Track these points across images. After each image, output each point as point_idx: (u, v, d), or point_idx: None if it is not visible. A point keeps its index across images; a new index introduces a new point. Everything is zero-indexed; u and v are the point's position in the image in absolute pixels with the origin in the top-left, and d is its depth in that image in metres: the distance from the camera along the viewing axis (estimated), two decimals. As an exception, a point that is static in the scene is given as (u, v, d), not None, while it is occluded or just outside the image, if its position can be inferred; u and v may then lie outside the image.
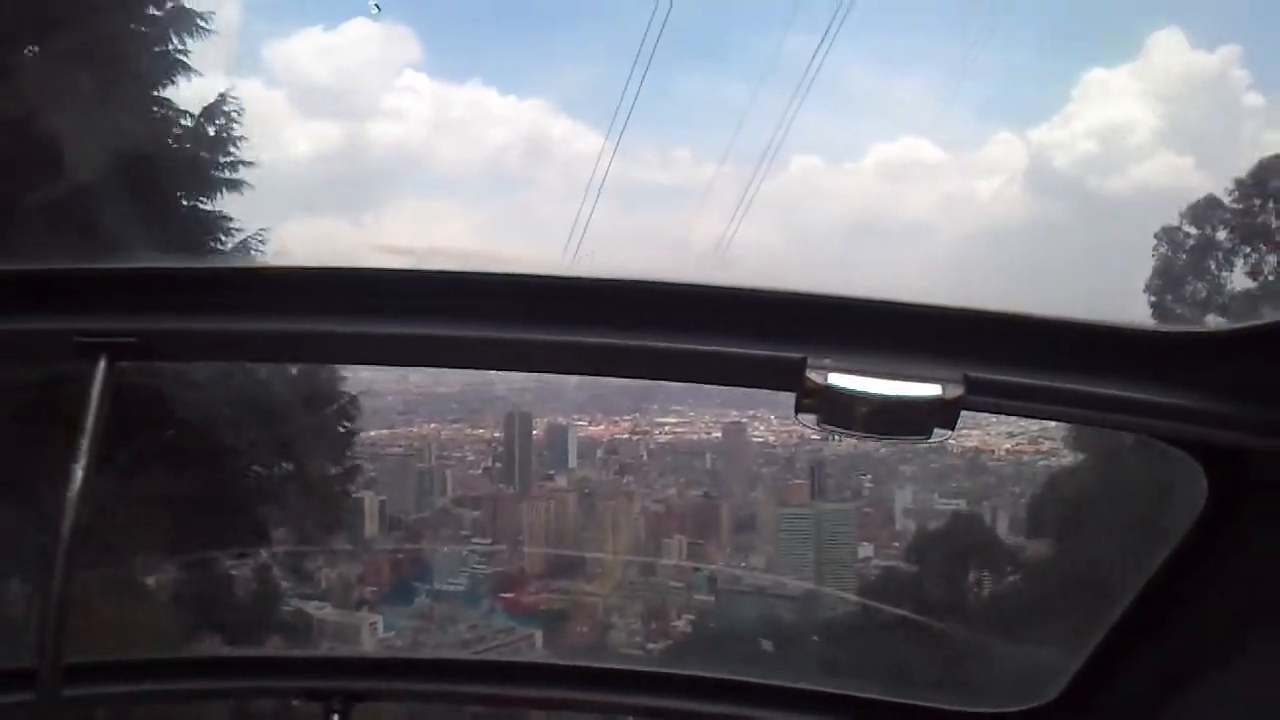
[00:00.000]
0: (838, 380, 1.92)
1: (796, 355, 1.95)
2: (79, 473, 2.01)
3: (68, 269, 2.10)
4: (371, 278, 2.10)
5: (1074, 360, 1.97)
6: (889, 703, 3.26)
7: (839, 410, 1.95)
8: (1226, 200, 17.15)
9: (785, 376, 1.96)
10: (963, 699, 3.29)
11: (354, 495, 16.26)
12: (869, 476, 23.92)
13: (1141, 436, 2.47)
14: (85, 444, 2.02)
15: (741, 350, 2.01)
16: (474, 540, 21.41)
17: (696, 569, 22.66)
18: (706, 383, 2.12)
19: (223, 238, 13.16)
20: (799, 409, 1.97)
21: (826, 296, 1.99)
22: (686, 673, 3.36)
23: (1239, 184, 17.10)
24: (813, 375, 1.93)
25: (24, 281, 2.11)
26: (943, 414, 1.94)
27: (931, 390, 1.91)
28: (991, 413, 2.01)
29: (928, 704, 3.26)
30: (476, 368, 2.34)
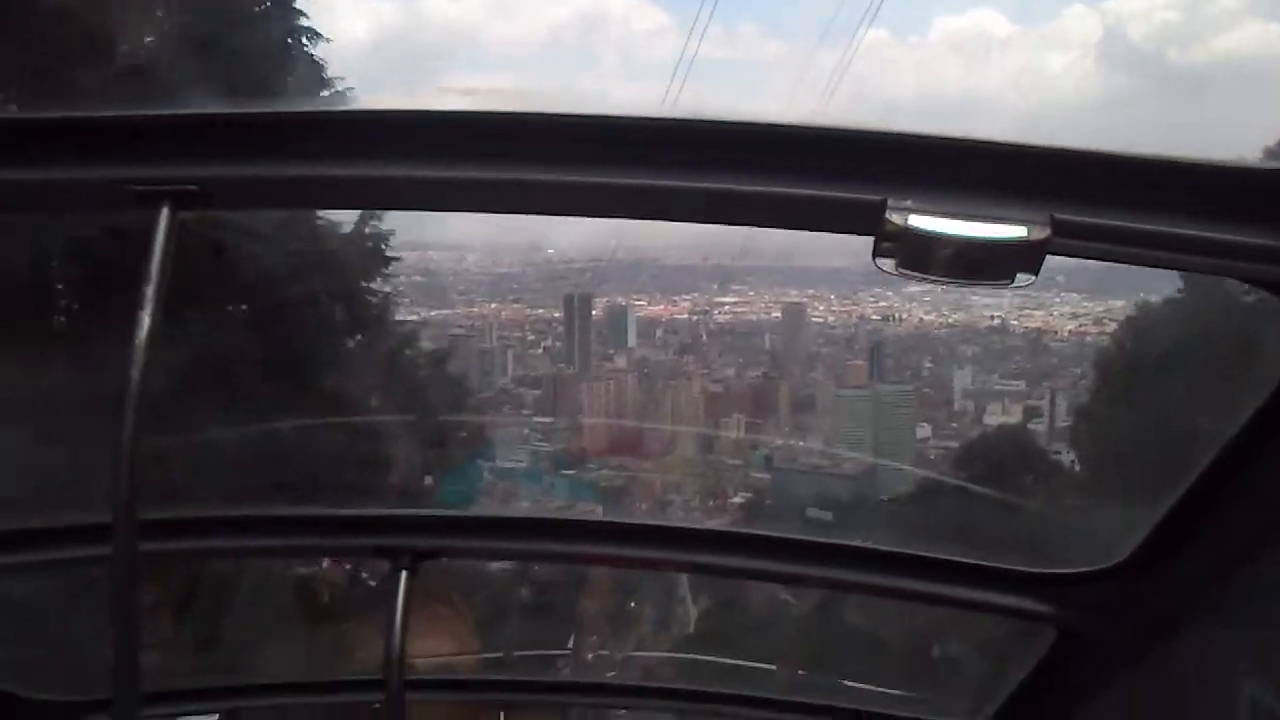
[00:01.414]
0: (918, 222, 1.85)
1: (876, 197, 1.87)
2: (145, 320, 1.99)
3: (128, 115, 2.06)
4: (443, 119, 2.05)
5: (1164, 200, 1.88)
6: (952, 561, 3.24)
7: (919, 254, 1.88)
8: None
9: (864, 219, 1.89)
10: (1031, 561, 3.27)
11: (419, 372, 16.44)
12: (928, 357, 23.83)
13: (1231, 283, 2.38)
14: (150, 292, 2.00)
15: (818, 193, 1.94)
16: (535, 419, 21.69)
17: (754, 447, 22.83)
18: (782, 227, 2.04)
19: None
20: (877, 253, 1.90)
21: (907, 135, 1.91)
22: (749, 531, 3.37)
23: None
24: (893, 217, 1.86)
25: (82, 130, 2.07)
26: (1027, 257, 1.86)
27: (1016, 232, 1.84)
28: (1077, 256, 1.93)
29: (994, 564, 3.24)
30: (540, 213, 2.27)
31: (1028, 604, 3.24)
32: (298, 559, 5.71)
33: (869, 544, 3.34)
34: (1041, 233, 1.84)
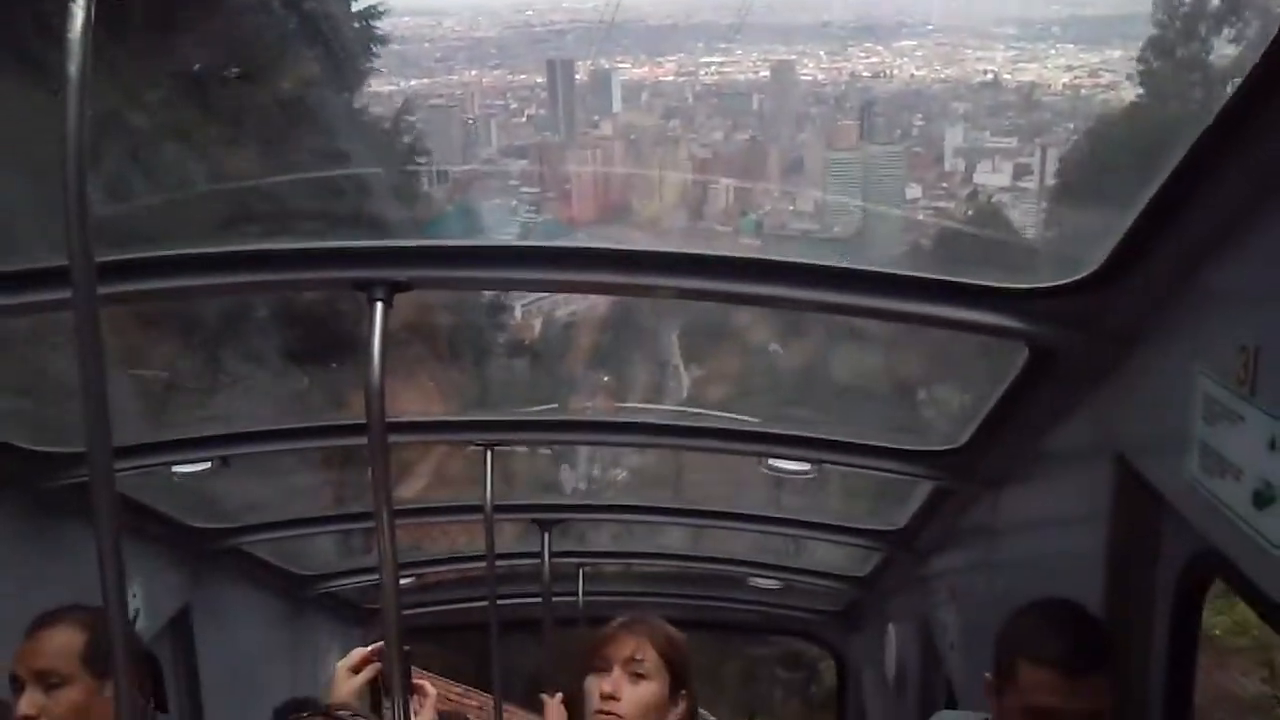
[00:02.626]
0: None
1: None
2: (79, 12, 1.93)
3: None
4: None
5: None
6: (933, 280, 3.34)
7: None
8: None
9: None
10: (1005, 277, 3.36)
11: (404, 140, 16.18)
12: (919, 115, 23.47)
13: None
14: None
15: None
16: (522, 190, 21.52)
17: (743, 213, 22.76)
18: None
19: None
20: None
21: None
22: (740, 255, 3.40)
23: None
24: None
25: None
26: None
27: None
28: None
29: (971, 281, 3.34)
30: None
31: (1003, 320, 3.37)
32: (270, 295, 5.65)
33: (856, 265, 3.40)
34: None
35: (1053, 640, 2.95)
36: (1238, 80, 2.23)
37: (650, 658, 3.06)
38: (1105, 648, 2.96)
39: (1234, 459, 2.54)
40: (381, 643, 3.27)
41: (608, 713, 3.02)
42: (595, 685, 3.08)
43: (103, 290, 2.04)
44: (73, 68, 1.94)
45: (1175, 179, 2.61)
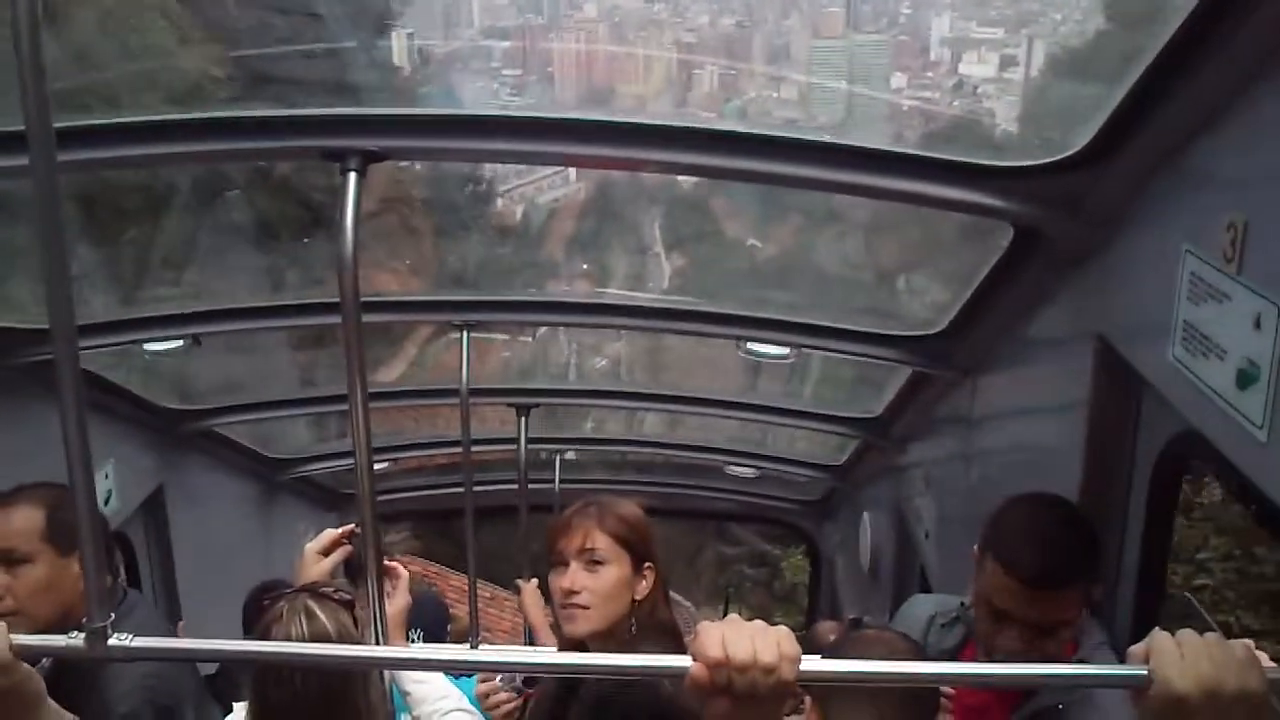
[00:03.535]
0: None
1: None
2: None
3: None
4: None
5: None
6: (920, 157, 3.26)
7: None
8: None
9: None
10: (997, 156, 3.29)
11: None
12: (906, 3, 23.05)
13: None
14: None
15: None
16: (504, 72, 21.10)
17: (727, 99, 22.44)
18: None
19: None
20: None
21: None
22: (728, 129, 3.29)
23: None
24: None
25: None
26: None
27: None
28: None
29: (958, 159, 3.27)
30: None
31: (990, 199, 3.30)
32: (238, 164, 5.50)
33: (843, 140, 3.31)
34: None
35: (1023, 551, 2.87)
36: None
37: (602, 543, 2.99)
38: (1079, 561, 2.90)
39: (1218, 338, 2.51)
40: (352, 525, 3.23)
41: (571, 606, 2.98)
42: (555, 582, 3.04)
43: (62, 158, 1.94)
44: None
45: (1164, 56, 2.54)
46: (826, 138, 3.29)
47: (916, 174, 3.31)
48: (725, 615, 1.90)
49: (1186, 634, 1.81)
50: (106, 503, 5.61)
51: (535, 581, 4.91)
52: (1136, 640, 1.85)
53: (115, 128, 3.46)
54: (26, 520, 3.09)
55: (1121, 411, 3.26)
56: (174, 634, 4.20)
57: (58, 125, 1.90)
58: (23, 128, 1.85)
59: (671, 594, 3.27)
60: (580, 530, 3.02)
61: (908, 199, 3.47)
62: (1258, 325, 2.32)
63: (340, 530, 3.31)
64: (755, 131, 3.25)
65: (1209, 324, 2.54)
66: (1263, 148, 2.36)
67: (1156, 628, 1.86)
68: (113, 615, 2.19)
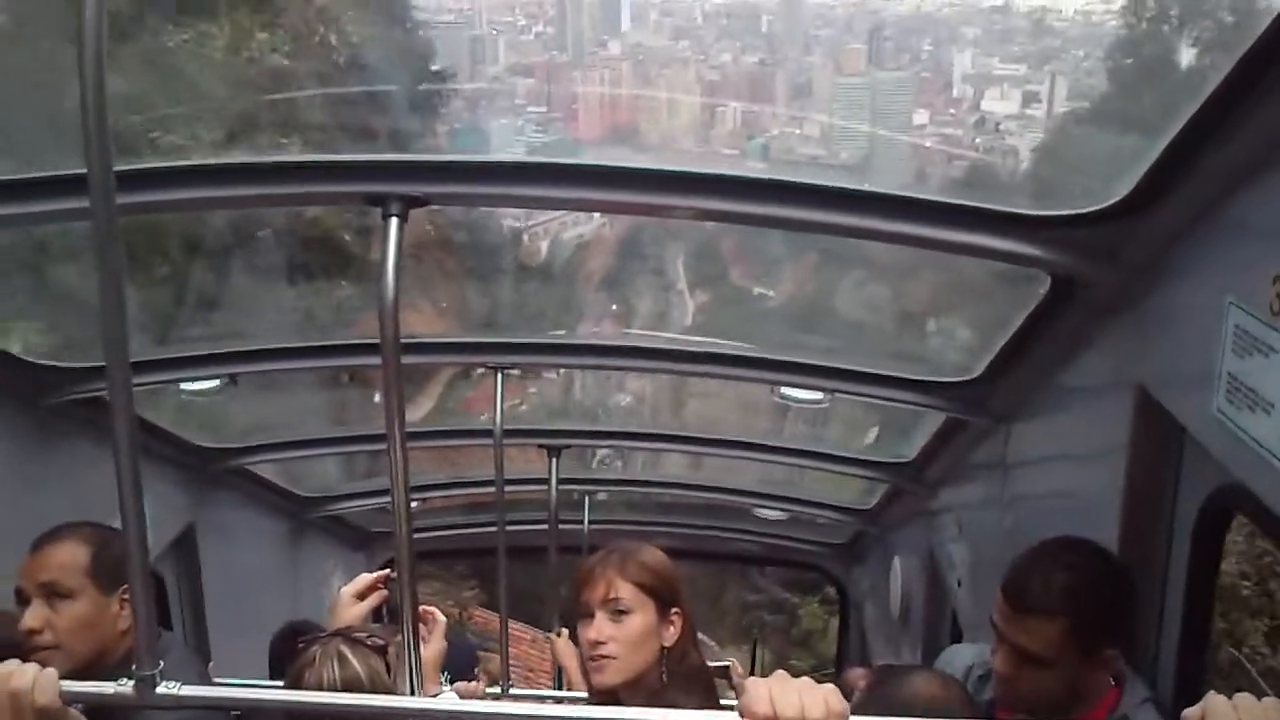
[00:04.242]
0: None
1: None
2: None
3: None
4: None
5: None
6: (955, 205, 3.26)
7: None
8: None
9: None
10: (1037, 204, 3.29)
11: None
12: (928, 40, 23.17)
13: None
14: None
15: None
16: (529, 109, 21.24)
17: (750, 137, 22.55)
18: None
19: None
20: None
21: None
22: (757, 176, 3.31)
23: None
24: None
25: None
26: None
27: None
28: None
29: (995, 207, 3.27)
30: None
31: (1028, 248, 3.30)
32: (284, 208, 5.55)
33: (876, 189, 3.32)
34: None
35: (1019, 571, 3.01)
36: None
37: (626, 592, 2.98)
38: (1069, 597, 2.93)
39: (1264, 391, 2.50)
40: (388, 570, 3.23)
41: (598, 657, 2.97)
42: (582, 633, 3.03)
43: (120, 200, 1.99)
44: None
45: (1206, 108, 2.54)
46: (864, 186, 3.28)
47: (952, 221, 3.32)
48: (753, 659, 1.90)
49: (1244, 698, 1.80)
50: None
51: (566, 633, 4.90)
52: (1181, 696, 1.84)
53: (158, 172, 3.52)
54: (72, 556, 3.12)
55: (1162, 462, 3.25)
56: (205, 674, 4.22)
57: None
58: (72, 171, 1.90)
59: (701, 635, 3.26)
60: (603, 580, 3.01)
61: (943, 247, 3.47)
62: (1306, 379, 2.31)
63: (375, 574, 3.31)
64: (788, 179, 3.26)
65: (1255, 377, 2.53)
66: None
67: (1211, 691, 1.85)
68: (161, 664, 2.20)
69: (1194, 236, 2.89)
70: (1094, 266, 3.29)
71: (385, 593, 3.28)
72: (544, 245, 16.35)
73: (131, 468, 2.11)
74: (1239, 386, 2.60)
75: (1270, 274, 2.43)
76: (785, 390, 5.37)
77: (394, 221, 3.07)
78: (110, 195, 1.96)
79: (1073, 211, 3.18)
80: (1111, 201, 3.06)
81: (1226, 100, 2.47)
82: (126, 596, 3.04)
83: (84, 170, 1.96)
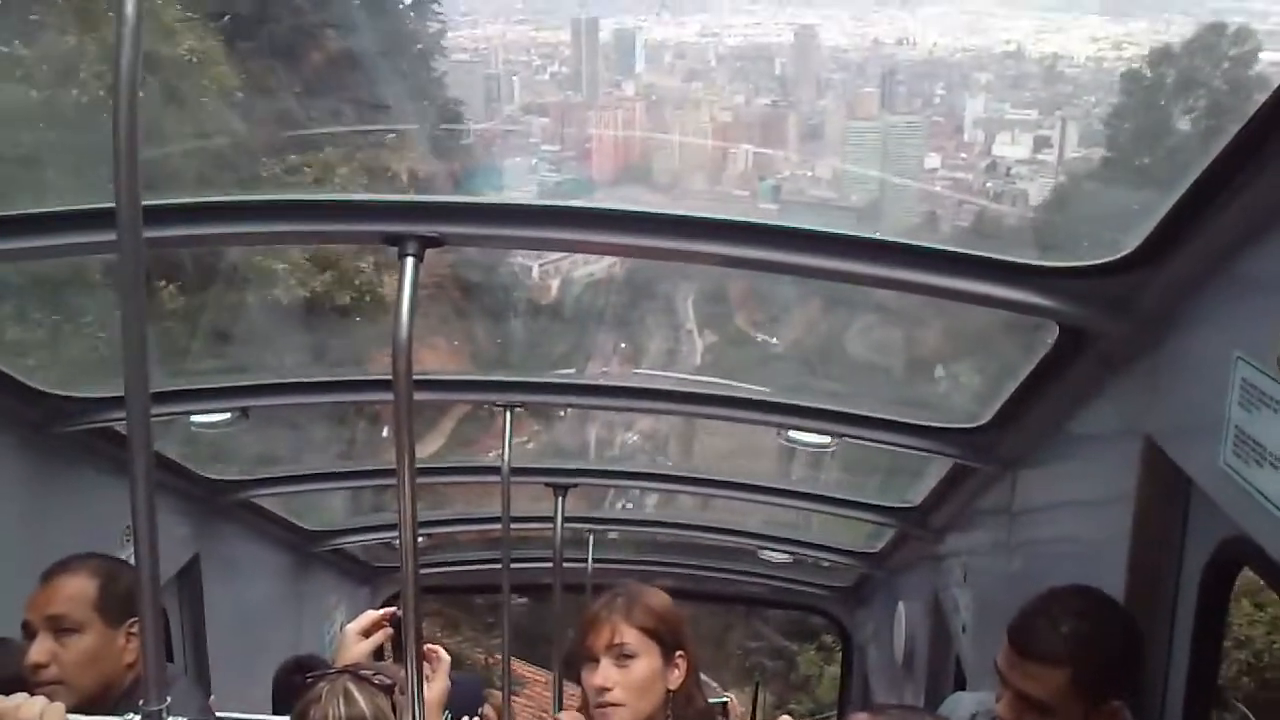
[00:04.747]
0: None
1: None
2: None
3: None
4: None
5: None
6: (963, 254, 3.28)
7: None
8: None
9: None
10: (1047, 253, 3.31)
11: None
12: (940, 84, 23.32)
13: None
14: None
15: None
16: (542, 148, 21.40)
17: (762, 178, 22.68)
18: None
19: None
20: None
21: None
22: (767, 221, 3.34)
23: None
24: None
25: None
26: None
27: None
28: None
29: (1004, 257, 3.29)
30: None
31: (1036, 298, 3.32)
32: (303, 245, 5.65)
33: (886, 236, 3.34)
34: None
35: (1025, 617, 3.02)
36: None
37: (630, 637, 2.97)
38: (1072, 646, 2.92)
39: (1271, 446, 2.50)
40: (393, 608, 3.22)
41: (604, 705, 2.96)
42: (587, 679, 3.01)
43: (146, 234, 2.04)
44: (129, 7, 1.93)
45: (1218, 163, 2.56)
46: (874, 231, 3.32)
47: (961, 271, 3.34)
48: (754, 702, 1.90)
49: None
50: None
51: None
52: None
53: (179, 207, 3.56)
54: (79, 589, 3.12)
55: (1169, 513, 3.24)
56: (207, 708, 4.20)
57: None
58: (98, 205, 1.94)
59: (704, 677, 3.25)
60: (608, 625, 3.00)
61: (953, 295, 3.48)
62: (1314, 435, 2.31)
63: (381, 612, 3.31)
64: (800, 226, 3.30)
65: (1261, 431, 2.53)
66: None
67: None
68: (169, 699, 2.20)
69: (1203, 290, 2.90)
70: (1103, 318, 3.30)
71: (390, 630, 3.27)
72: (555, 283, 16.43)
73: (147, 500, 2.13)
74: (1246, 440, 2.60)
75: (1278, 329, 2.44)
76: (793, 434, 5.37)
77: (410, 260, 3.10)
78: (137, 231, 2.00)
79: (1083, 263, 3.19)
80: (1122, 254, 3.08)
81: (1238, 156, 2.49)
82: (133, 630, 3.04)
83: (110, 204, 1.99)
